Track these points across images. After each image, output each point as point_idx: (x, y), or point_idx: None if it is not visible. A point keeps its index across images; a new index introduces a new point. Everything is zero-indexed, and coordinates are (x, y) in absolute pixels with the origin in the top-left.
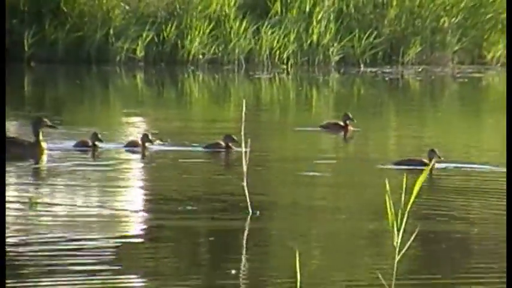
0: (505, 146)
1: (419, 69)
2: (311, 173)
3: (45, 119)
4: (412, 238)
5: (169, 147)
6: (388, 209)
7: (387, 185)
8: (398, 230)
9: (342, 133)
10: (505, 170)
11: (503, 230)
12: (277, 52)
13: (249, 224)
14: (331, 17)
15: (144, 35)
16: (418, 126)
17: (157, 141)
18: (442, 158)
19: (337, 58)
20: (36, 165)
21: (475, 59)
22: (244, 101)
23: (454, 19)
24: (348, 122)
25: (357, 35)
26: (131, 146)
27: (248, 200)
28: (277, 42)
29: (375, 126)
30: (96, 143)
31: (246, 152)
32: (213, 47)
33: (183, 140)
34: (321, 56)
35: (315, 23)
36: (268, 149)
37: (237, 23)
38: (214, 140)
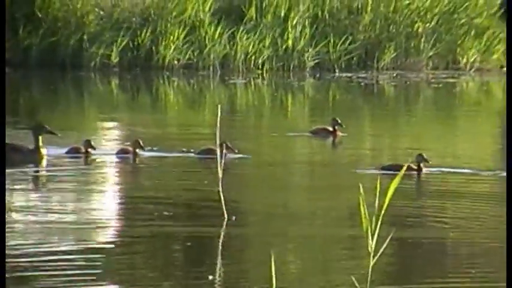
0: (503, 149)
1: (394, 75)
2: (290, 178)
3: (46, 126)
4: (386, 243)
5: (161, 153)
6: (362, 214)
7: (361, 189)
8: (373, 235)
9: (331, 138)
10: (481, 173)
11: (479, 234)
12: (253, 57)
13: (224, 229)
14: (306, 23)
15: (119, 41)
16: (396, 131)
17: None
18: (430, 162)
19: (312, 63)
20: (24, 171)
21: (449, 64)
22: (219, 106)
23: (428, 25)
24: (336, 127)
25: (331, 41)
26: (123, 153)
27: (224, 206)
28: (252, 47)
29: (352, 132)
30: (89, 150)
31: (221, 157)
32: (188, 53)
33: (159, 145)
34: (296, 61)
35: (290, 28)
36: (246, 154)
37: (212, 29)
38: (206, 146)
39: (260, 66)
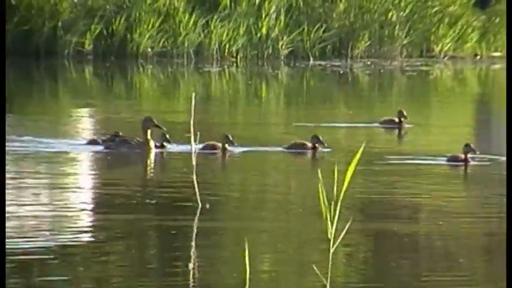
0: (506, 143)
1: (368, 63)
2: (265, 166)
3: (154, 120)
4: (345, 230)
5: (250, 148)
6: (321, 201)
7: (319, 175)
8: (332, 221)
9: (397, 130)
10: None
11: (450, 227)
12: (227, 45)
13: (198, 217)
14: (281, 11)
15: (93, 28)
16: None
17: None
18: (478, 153)
19: (286, 51)
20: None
21: (423, 52)
22: (193, 94)
23: (402, 13)
24: (402, 119)
25: (306, 29)
26: (210, 148)
27: (198, 193)
28: (227, 35)
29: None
30: (165, 143)
31: (194, 145)
32: (162, 41)
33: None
34: (270, 50)
35: (264, 16)
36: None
37: (186, 17)
38: (295, 141)
39: (234, 54)
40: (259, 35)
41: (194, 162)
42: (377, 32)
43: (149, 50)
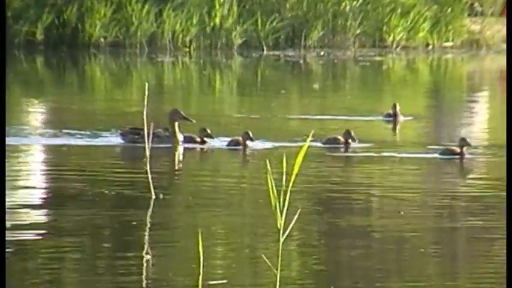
0: (506, 142)
1: (322, 53)
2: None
3: (181, 112)
4: (294, 220)
5: (270, 144)
6: (270, 191)
7: (268, 165)
8: (281, 212)
9: (392, 124)
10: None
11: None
12: (180, 35)
13: (152, 208)
14: (234, 1)
15: (44, 18)
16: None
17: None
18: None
19: (240, 41)
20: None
21: (376, 42)
22: (146, 84)
23: (355, 3)
24: (396, 111)
25: (259, 19)
26: (234, 144)
27: (151, 184)
28: (180, 25)
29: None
30: (205, 138)
31: (148, 135)
32: (115, 30)
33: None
34: (223, 39)
35: (217, 6)
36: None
37: (139, 6)
38: (332, 136)
39: (188, 44)
40: (212, 25)
41: (148, 153)
42: (330, 22)
43: (101, 39)
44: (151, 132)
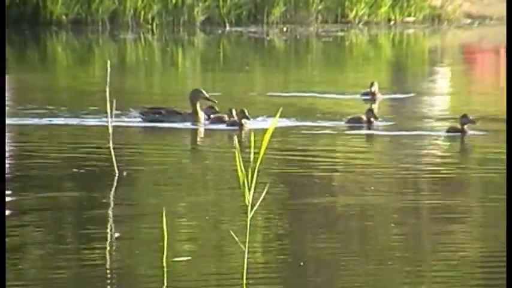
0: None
1: (284, 29)
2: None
3: (203, 91)
4: (262, 197)
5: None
6: (238, 168)
7: (236, 144)
8: (249, 189)
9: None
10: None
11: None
12: (142, 12)
13: (115, 185)
14: None
15: None
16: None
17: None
18: (478, 124)
19: (202, 18)
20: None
21: (338, 18)
22: (108, 62)
23: None
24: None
25: None
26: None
27: (115, 162)
28: (142, 2)
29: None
30: (243, 120)
31: (111, 112)
32: (77, 8)
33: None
34: (185, 16)
35: None
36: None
37: None
38: (356, 115)
39: (150, 21)
40: (174, 1)
41: (111, 131)
42: None
43: (63, 17)
44: (121, 110)
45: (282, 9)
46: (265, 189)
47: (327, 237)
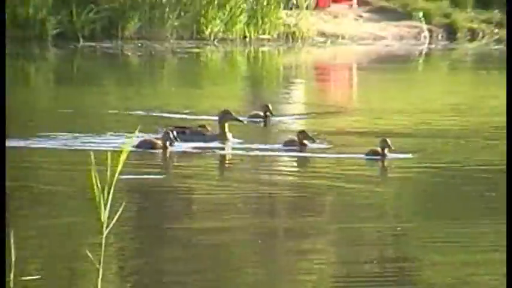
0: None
1: (139, 44)
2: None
3: (231, 113)
4: (118, 215)
5: None
6: (94, 185)
7: (93, 160)
8: (105, 206)
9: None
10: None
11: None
12: None
13: None
14: None
15: None
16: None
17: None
18: (393, 148)
19: (54, 33)
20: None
21: (194, 34)
22: None
23: None
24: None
25: (74, 10)
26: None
27: None
28: None
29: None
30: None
31: None
32: None
33: None
34: (37, 31)
35: None
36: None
37: None
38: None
39: None
40: (24, 15)
41: None
42: (147, 13)
43: None
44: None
45: (137, 25)
46: (121, 208)
47: (184, 263)
